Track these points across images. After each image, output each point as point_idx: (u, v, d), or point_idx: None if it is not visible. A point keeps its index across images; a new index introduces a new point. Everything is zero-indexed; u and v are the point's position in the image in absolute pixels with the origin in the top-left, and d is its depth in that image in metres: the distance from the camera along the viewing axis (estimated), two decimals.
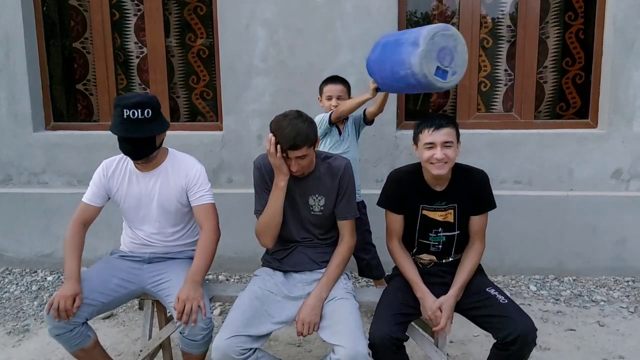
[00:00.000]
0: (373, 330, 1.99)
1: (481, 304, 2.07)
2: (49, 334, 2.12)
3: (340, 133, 3.00)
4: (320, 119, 2.91)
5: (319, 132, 2.94)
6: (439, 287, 2.16)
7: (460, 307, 2.12)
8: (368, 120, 3.06)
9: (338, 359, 1.87)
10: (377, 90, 2.69)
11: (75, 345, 2.15)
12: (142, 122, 2.11)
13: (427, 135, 2.05)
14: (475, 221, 2.20)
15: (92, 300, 2.16)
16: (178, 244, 2.41)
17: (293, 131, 2.01)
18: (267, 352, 2.13)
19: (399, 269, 2.27)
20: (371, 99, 2.76)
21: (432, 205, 2.17)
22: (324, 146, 2.97)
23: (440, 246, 2.22)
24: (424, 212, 2.18)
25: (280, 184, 2.11)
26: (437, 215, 2.18)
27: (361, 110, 3.02)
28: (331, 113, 2.89)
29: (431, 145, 2.05)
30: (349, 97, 3.01)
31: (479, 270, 2.26)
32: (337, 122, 2.93)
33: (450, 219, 2.18)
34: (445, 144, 2.04)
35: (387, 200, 2.24)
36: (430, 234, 2.20)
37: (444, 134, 2.04)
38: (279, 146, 2.05)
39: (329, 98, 2.98)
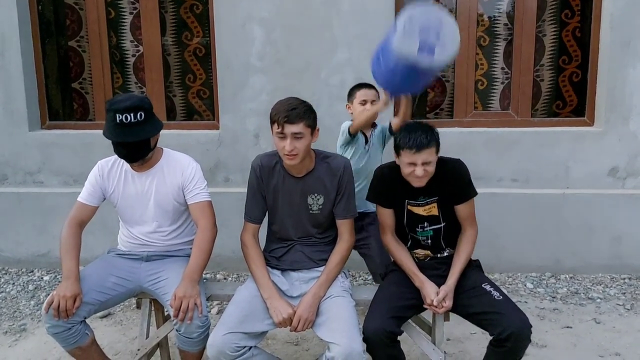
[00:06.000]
0: (367, 324, 2.00)
1: (476, 300, 2.08)
2: (47, 332, 2.12)
3: (367, 141, 2.88)
4: (343, 128, 2.83)
5: (341, 140, 2.85)
6: (435, 279, 2.17)
7: (456, 303, 2.13)
8: (394, 132, 2.89)
9: (333, 357, 1.87)
10: (390, 97, 2.57)
11: (73, 344, 2.14)
12: (135, 126, 2.10)
13: (408, 155, 2.07)
14: (460, 209, 2.22)
15: (90, 299, 2.15)
16: (176, 242, 2.40)
17: (291, 105, 2.04)
18: (264, 350, 2.13)
19: (395, 262, 2.28)
20: (385, 107, 2.66)
21: (416, 200, 2.21)
22: (346, 155, 2.81)
23: (430, 241, 2.23)
24: (409, 207, 2.22)
25: (265, 295, 2.12)
26: (421, 210, 2.21)
27: (388, 122, 2.94)
28: (350, 125, 2.79)
29: (412, 162, 2.08)
30: None
31: (476, 267, 2.28)
32: (356, 133, 2.81)
33: (435, 212, 2.20)
34: (426, 162, 2.07)
35: (375, 195, 2.29)
36: (417, 229, 2.22)
37: (425, 155, 2.06)
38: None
39: (363, 102, 2.83)
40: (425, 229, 2.22)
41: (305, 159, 2.14)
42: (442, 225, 2.21)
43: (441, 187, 2.17)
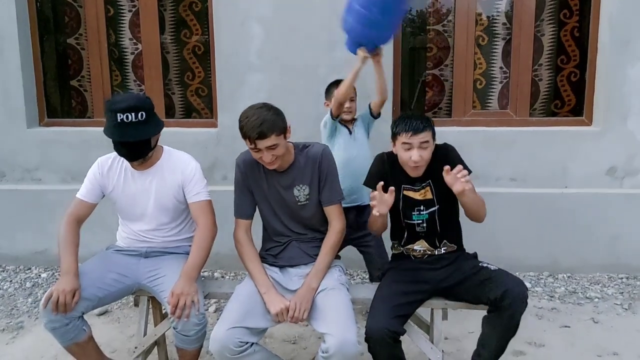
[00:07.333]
0: (370, 323, 2.00)
1: (475, 277, 2.15)
2: (45, 328, 2.11)
3: (350, 132, 2.92)
4: (324, 120, 2.86)
5: (326, 132, 2.90)
6: (434, 276, 2.20)
7: (455, 283, 2.18)
8: (375, 114, 2.96)
9: (327, 348, 1.89)
10: (367, 51, 2.59)
11: (70, 340, 2.15)
12: (136, 125, 2.11)
13: (405, 137, 2.11)
14: None
15: (89, 294, 2.15)
16: (176, 239, 2.41)
17: (259, 120, 2.03)
18: (264, 347, 2.13)
19: (391, 262, 2.28)
20: (361, 66, 2.66)
21: (413, 185, 2.23)
22: (336, 148, 2.84)
23: (425, 225, 2.24)
24: (405, 192, 2.24)
25: (262, 290, 2.13)
26: (417, 195, 2.23)
27: (367, 106, 2.97)
28: (331, 108, 2.83)
29: (409, 146, 2.11)
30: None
31: (473, 257, 2.32)
32: (339, 115, 2.83)
33: (429, 195, 2.23)
34: (422, 145, 2.10)
35: (373, 179, 2.29)
36: (414, 213, 2.24)
37: (421, 137, 2.10)
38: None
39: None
40: (422, 212, 2.24)
41: (284, 156, 2.17)
42: (436, 207, 2.23)
43: (435, 171, 2.18)
